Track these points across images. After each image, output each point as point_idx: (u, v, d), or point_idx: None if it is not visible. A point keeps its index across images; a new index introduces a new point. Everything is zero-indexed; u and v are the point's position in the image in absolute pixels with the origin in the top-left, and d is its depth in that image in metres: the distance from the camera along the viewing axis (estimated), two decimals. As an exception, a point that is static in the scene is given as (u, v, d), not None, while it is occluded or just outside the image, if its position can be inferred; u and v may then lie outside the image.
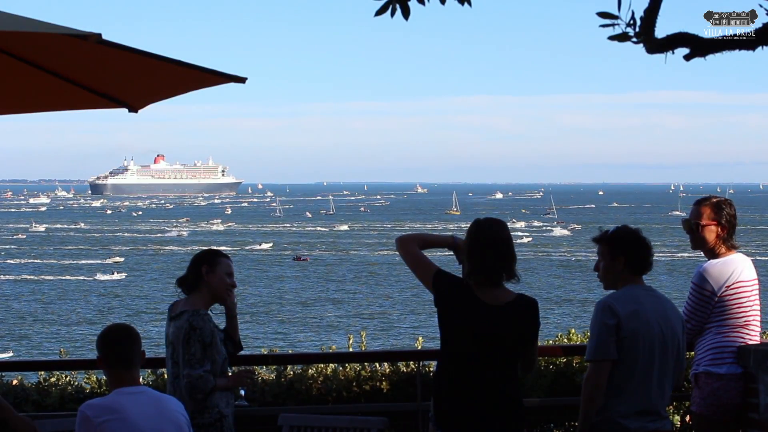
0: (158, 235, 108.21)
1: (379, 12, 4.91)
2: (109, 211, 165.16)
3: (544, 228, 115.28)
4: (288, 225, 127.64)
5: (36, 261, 78.89)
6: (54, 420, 6.00)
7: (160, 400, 4.93)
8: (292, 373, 7.45)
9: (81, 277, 66.75)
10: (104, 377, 7.14)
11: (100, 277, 66.15)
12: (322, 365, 7.46)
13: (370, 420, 6.29)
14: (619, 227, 5.65)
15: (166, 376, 6.51)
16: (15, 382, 7.43)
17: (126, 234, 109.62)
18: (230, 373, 6.23)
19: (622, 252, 5.55)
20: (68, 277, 67.03)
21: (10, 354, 37.60)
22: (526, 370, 5.49)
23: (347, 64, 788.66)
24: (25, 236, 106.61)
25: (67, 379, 7.49)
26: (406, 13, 4.93)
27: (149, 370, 7.44)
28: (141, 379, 5.56)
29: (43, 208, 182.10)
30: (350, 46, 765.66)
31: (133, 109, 6.05)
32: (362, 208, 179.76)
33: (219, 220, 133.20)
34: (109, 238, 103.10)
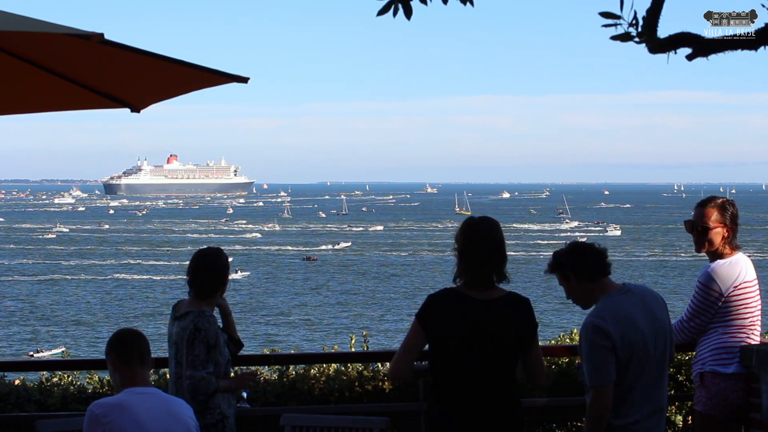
0: (233, 236, 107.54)
1: (381, 12, 4.90)
2: (141, 212, 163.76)
3: (594, 228, 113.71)
4: (329, 225, 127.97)
5: (154, 262, 78.20)
6: (56, 420, 6.00)
7: (170, 402, 4.93)
8: (294, 373, 7.45)
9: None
10: (108, 377, 7.16)
11: (233, 276, 66.22)
12: (324, 365, 7.46)
13: (372, 420, 6.28)
14: (555, 251, 5.53)
15: (168, 376, 6.51)
16: (17, 382, 7.44)
17: (199, 235, 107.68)
18: (233, 375, 6.23)
19: (569, 269, 5.41)
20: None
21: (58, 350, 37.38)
22: (533, 379, 5.32)
23: (349, 64, 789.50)
24: (52, 237, 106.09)
25: (69, 379, 7.50)
26: (408, 13, 4.91)
27: (151, 370, 7.43)
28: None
29: (82, 208, 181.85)
30: (352, 45, 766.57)
31: (135, 109, 6.04)
32: (364, 209, 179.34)
33: (273, 221, 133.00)
34: (188, 239, 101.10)
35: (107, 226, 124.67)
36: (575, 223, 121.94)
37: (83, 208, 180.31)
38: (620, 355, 5.23)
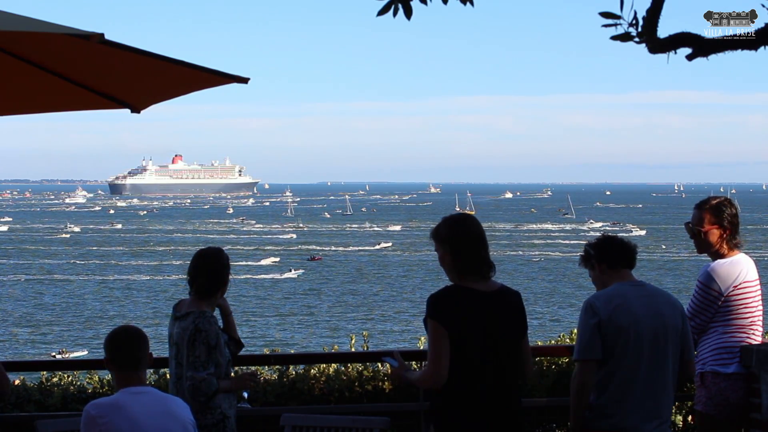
0: (271, 236, 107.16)
1: (381, 12, 4.90)
2: (142, 212, 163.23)
3: (613, 229, 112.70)
4: (341, 225, 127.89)
5: (172, 262, 77.26)
6: (56, 420, 5.99)
7: (166, 401, 4.93)
8: (294, 373, 7.46)
9: (263, 276, 66.21)
10: (108, 377, 7.17)
11: (287, 275, 66.59)
12: (324, 365, 7.46)
13: (372, 420, 6.28)
14: (586, 243, 5.84)
15: (168, 376, 6.51)
16: (17, 382, 7.44)
17: (232, 236, 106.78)
18: (233, 375, 6.22)
19: (594, 258, 5.70)
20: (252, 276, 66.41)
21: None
22: (523, 373, 5.32)
23: (349, 64, 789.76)
24: (66, 237, 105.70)
25: (69, 379, 7.50)
26: (408, 13, 4.91)
27: (152, 370, 7.43)
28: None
29: (98, 208, 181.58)
30: (352, 45, 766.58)
31: (136, 109, 6.04)
32: (363, 209, 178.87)
33: (289, 222, 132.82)
34: (204, 239, 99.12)
35: (120, 226, 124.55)
36: (599, 224, 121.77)
37: (99, 208, 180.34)
38: (604, 333, 5.47)
